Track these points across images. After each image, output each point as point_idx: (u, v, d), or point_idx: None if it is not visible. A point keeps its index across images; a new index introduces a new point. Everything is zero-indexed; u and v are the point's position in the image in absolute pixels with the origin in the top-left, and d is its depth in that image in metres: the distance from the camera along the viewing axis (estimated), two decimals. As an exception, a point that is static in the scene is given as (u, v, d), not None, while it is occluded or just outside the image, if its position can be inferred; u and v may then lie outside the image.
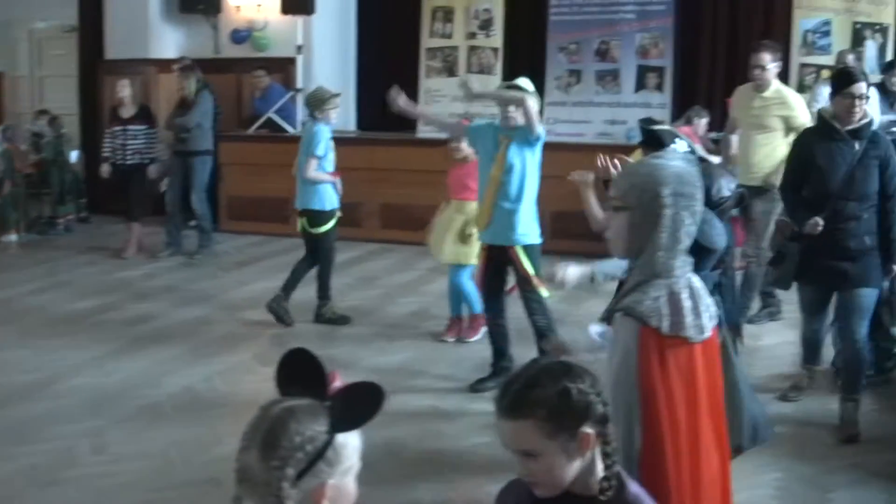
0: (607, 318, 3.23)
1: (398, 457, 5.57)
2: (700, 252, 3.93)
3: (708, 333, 3.19)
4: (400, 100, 7.11)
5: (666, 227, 3.11)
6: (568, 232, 9.70)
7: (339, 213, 8.31)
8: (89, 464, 5.49)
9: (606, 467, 2.28)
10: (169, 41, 14.06)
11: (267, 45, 13.58)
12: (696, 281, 3.25)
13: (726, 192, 4.75)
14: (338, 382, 2.11)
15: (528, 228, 6.49)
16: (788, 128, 7.81)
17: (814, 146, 5.97)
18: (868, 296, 5.88)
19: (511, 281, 6.73)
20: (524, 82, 6.63)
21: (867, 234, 5.81)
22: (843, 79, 6.01)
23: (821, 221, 5.74)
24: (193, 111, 11.11)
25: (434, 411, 6.33)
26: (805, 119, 7.78)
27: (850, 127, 5.86)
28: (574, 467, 2.25)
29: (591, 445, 2.24)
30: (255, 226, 12.54)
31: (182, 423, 6.07)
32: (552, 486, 2.27)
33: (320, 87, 8.62)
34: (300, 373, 2.13)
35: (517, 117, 6.36)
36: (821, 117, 6.12)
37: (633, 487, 2.34)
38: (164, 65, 13.69)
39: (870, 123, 5.97)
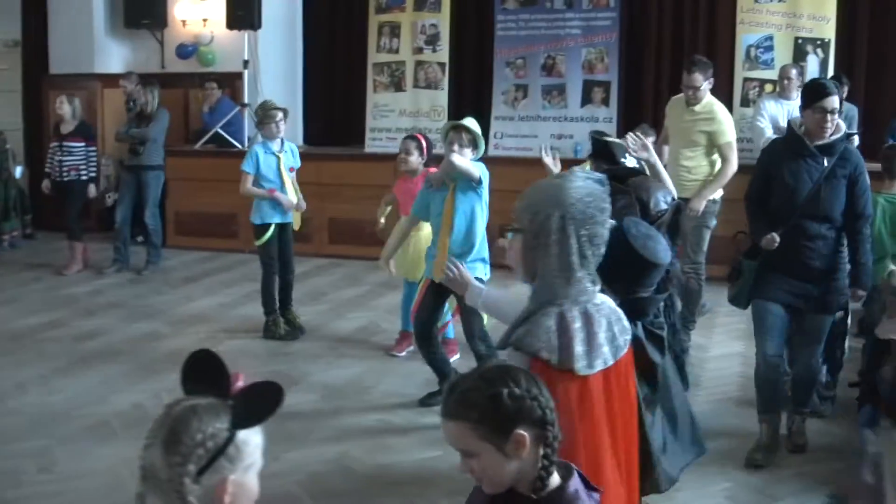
0: (503, 346, 3.11)
1: (350, 471, 5.59)
2: (645, 269, 3.95)
3: (604, 363, 3.03)
4: None
5: (553, 253, 3.02)
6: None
7: (275, 227, 8.23)
8: (35, 483, 5.43)
9: (542, 468, 2.36)
10: (114, 56, 13.97)
11: (213, 59, 13.53)
12: (597, 308, 3.08)
13: (663, 206, 4.67)
14: (240, 383, 2.20)
15: (473, 268, 6.31)
16: (711, 144, 7.84)
17: (781, 160, 5.68)
18: (829, 321, 5.80)
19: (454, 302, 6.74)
20: (470, 122, 6.61)
21: (833, 254, 5.59)
22: (814, 91, 5.67)
23: (777, 237, 5.54)
24: (152, 125, 11.09)
25: (385, 426, 6.33)
26: (730, 138, 7.85)
27: (819, 142, 5.57)
28: (513, 467, 2.36)
29: (526, 446, 2.34)
30: (202, 241, 12.47)
31: (130, 441, 5.99)
32: (492, 483, 2.40)
33: (265, 100, 8.59)
34: (204, 373, 2.19)
35: (465, 154, 6.40)
36: (790, 130, 5.82)
37: (574, 486, 2.41)
38: (109, 80, 13.61)
39: (841, 139, 5.65)
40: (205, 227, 12.49)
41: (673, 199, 4.89)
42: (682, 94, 8.07)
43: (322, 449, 5.91)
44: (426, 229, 7.45)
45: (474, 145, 6.48)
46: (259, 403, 2.26)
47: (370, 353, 7.91)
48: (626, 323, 3.16)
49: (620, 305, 3.71)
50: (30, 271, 11.15)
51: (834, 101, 5.56)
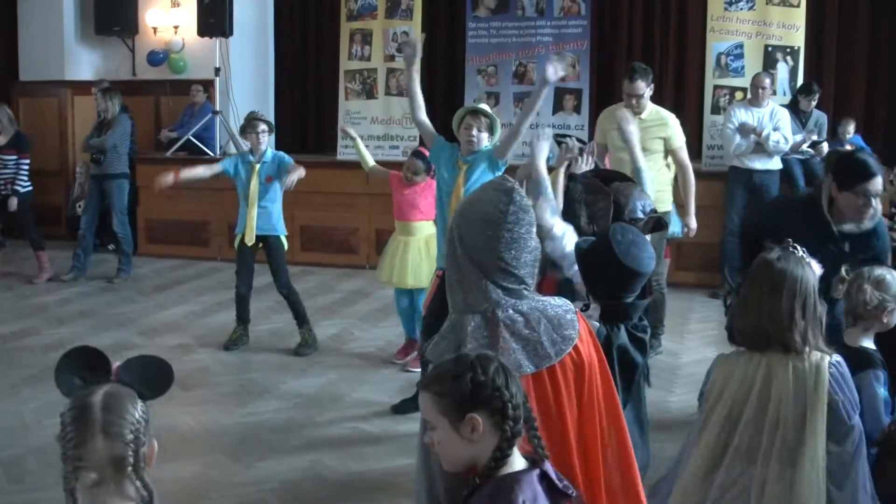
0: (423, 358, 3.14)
1: (322, 479, 5.58)
2: (629, 276, 3.96)
3: (524, 370, 2.91)
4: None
5: (449, 265, 3.04)
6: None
7: (238, 236, 8.15)
8: (7, 492, 5.40)
9: (493, 458, 2.48)
10: (85, 63, 13.92)
11: (184, 67, 13.51)
12: (515, 313, 2.96)
13: (639, 214, 4.67)
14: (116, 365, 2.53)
15: None
16: (666, 150, 7.76)
17: (790, 228, 4.25)
18: None
19: None
20: (485, 107, 6.61)
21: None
22: (859, 170, 4.71)
23: None
24: (110, 133, 11.00)
25: (358, 433, 6.33)
26: (683, 140, 7.82)
27: (847, 229, 4.75)
28: (466, 449, 2.48)
29: (479, 431, 2.45)
30: (173, 249, 12.43)
31: (102, 450, 5.99)
32: (447, 460, 2.55)
33: (251, 111, 8.47)
34: (83, 363, 2.52)
35: (484, 142, 6.31)
36: (812, 201, 4.91)
37: (522, 476, 2.47)
38: (79, 87, 13.58)
39: (875, 227, 4.80)
40: (176, 235, 12.45)
41: (653, 210, 4.86)
42: (616, 105, 7.98)
43: (295, 457, 5.90)
44: (417, 234, 7.63)
45: (490, 130, 6.39)
46: (151, 373, 2.56)
47: (343, 361, 7.90)
48: (567, 334, 3.00)
49: (603, 309, 3.74)
50: (-1, 280, 11.09)
51: (880, 183, 4.72)
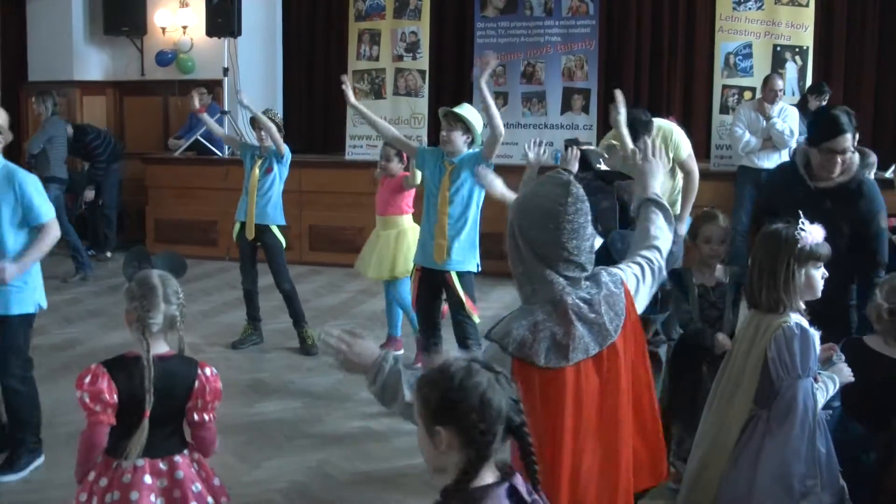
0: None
1: (330, 478, 5.59)
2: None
3: (585, 353, 3.02)
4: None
5: (514, 259, 3.12)
6: (495, 253, 9.74)
7: (237, 224, 8.26)
8: (15, 492, 5.42)
9: (461, 472, 2.43)
10: (93, 63, 13.95)
11: (193, 67, 13.52)
12: (579, 298, 3.04)
13: None
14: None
15: (464, 256, 6.46)
16: (673, 163, 7.69)
17: (782, 196, 4.97)
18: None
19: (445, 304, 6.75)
20: (463, 108, 6.54)
21: (837, 297, 4.68)
22: (826, 128, 4.87)
23: None
24: (35, 136, 11.01)
25: (366, 433, 6.33)
26: (689, 150, 7.75)
27: (823, 185, 4.90)
28: (438, 458, 2.46)
29: (446, 445, 2.42)
30: (182, 249, 12.38)
31: (110, 449, 6.01)
32: (426, 460, 2.53)
33: (267, 108, 8.57)
34: (135, 258, 4.18)
35: (452, 141, 6.36)
36: (792, 162, 5.18)
37: (486, 491, 2.43)
38: (88, 87, 13.62)
39: (853, 180, 4.93)
40: (184, 235, 12.46)
41: None
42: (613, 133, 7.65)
43: (302, 456, 5.90)
44: (397, 228, 7.79)
45: (467, 129, 6.41)
46: (177, 263, 4.16)
47: (351, 361, 7.89)
48: (619, 307, 3.11)
49: None
50: (8, 279, 11.09)
51: (846, 141, 4.81)
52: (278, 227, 8.19)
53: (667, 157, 7.46)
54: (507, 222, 3.13)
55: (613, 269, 3.22)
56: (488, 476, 2.46)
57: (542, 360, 2.96)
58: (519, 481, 2.49)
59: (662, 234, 3.43)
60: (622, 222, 5.04)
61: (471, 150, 6.41)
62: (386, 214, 7.90)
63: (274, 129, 7.90)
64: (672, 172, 7.78)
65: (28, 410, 5.72)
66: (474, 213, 6.48)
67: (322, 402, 6.93)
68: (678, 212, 7.68)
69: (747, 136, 9.89)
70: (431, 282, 6.57)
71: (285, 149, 8.04)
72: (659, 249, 3.38)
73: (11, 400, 5.71)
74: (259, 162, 8.09)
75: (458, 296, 6.44)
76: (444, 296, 6.65)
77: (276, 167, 8.08)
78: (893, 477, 4.01)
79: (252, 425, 6.45)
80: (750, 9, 11.08)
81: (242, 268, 8.31)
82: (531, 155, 5.90)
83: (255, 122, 8.17)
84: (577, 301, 3.04)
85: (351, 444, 6.12)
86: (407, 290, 7.70)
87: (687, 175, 7.76)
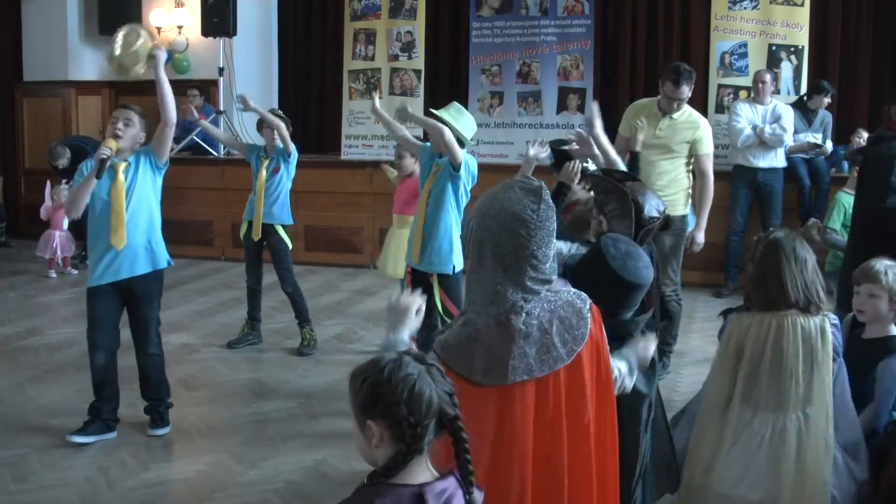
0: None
1: (327, 478, 5.58)
2: (628, 290, 3.74)
3: (528, 375, 2.87)
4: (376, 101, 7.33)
5: (474, 266, 2.98)
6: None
7: (244, 223, 8.23)
8: (11, 492, 5.40)
9: (385, 465, 2.39)
10: (88, 63, 13.93)
11: (188, 67, 13.52)
12: (531, 316, 2.91)
13: (655, 213, 4.52)
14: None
15: (441, 258, 6.44)
16: (691, 154, 7.26)
17: None
18: None
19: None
20: (448, 111, 6.50)
21: None
22: None
23: None
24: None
25: (362, 433, 6.32)
26: (711, 149, 7.32)
27: None
28: (371, 452, 2.42)
29: (377, 439, 2.39)
30: (177, 249, 12.36)
31: (106, 450, 6.01)
32: (362, 455, 2.49)
33: (273, 108, 8.62)
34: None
35: (438, 144, 6.36)
36: None
37: (389, 489, 2.38)
38: (83, 87, 13.60)
39: None
40: (180, 235, 12.43)
41: (665, 209, 4.76)
42: (648, 101, 7.55)
43: (299, 456, 5.90)
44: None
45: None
46: None
47: (347, 360, 7.90)
48: (578, 332, 2.95)
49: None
50: (4, 279, 11.09)
51: None
52: (285, 227, 8.15)
53: (685, 146, 7.22)
54: (467, 227, 2.99)
55: (584, 296, 3.06)
56: (421, 474, 2.41)
57: (478, 376, 2.85)
58: (434, 489, 2.40)
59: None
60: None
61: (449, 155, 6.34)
62: (402, 213, 7.92)
63: (283, 126, 7.90)
64: (686, 163, 7.32)
65: (163, 371, 6.50)
66: (452, 216, 6.45)
67: (318, 401, 6.92)
68: (685, 210, 7.38)
69: (748, 130, 9.90)
70: (420, 282, 6.48)
71: (292, 147, 8.04)
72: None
73: (153, 364, 6.45)
74: (266, 162, 8.08)
75: (433, 299, 6.42)
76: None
77: (283, 166, 8.07)
78: (893, 468, 4.05)
79: (248, 425, 6.45)
80: (745, 8, 11.10)
81: (248, 267, 8.30)
82: (532, 151, 5.88)
83: (262, 124, 8.15)
84: (526, 319, 2.89)
85: (347, 444, 6.10)
86: None
87: (702, 177, 7.31)
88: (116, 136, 6.04)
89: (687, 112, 7.29)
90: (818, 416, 3.97)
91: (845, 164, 10.68)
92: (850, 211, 6.99)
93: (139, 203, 6.23)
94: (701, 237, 7.33)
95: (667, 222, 4.71)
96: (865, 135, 10.97)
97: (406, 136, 7.00)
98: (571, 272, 3.79)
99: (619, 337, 3.65)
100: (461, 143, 6.39)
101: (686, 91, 7.15)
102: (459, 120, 6.45)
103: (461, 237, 3.12)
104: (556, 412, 2.91)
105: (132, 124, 6.22)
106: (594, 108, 6.14)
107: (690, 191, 7.46)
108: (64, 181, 11.02)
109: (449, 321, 6.21)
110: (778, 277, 4.04)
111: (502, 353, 2.84)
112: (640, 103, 7.63)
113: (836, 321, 4.13)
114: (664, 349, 7.14)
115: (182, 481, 5.53)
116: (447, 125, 6.31)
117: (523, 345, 2.87)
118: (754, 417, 4.02)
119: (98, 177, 5.85)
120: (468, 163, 6.41)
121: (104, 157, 5.84)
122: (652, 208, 4.52)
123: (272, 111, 8.24)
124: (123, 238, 6.09)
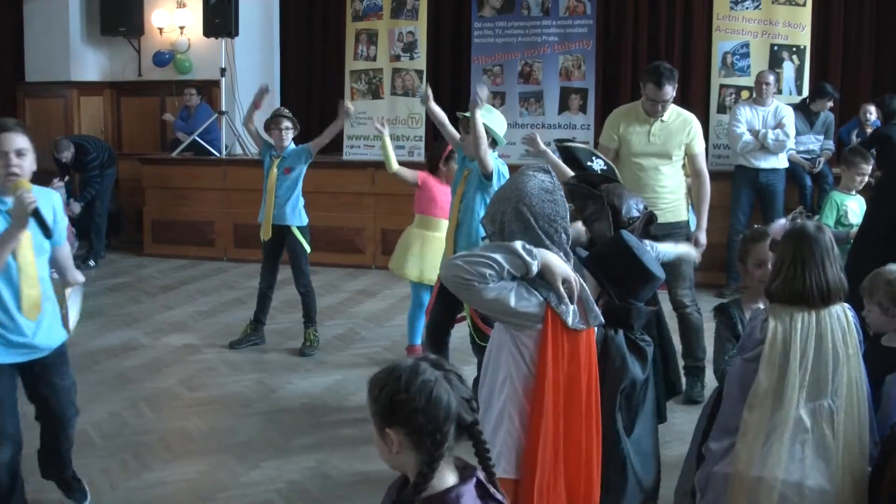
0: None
1: (329, 478, 5.58)
2: (647, 281, 3.89)
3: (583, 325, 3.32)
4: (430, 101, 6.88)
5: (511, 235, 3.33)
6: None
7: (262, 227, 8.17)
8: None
9: (419, 473, 2.41)
10: (90, 64, 13.94)
11: (190, 67, 13.53)
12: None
13: (635, 213, 4.59)
14: None
15: None
16: (684, 155, 6.96)
17: None
18: None
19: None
20: (481, 114, 6.07)
21: None
22: None
23: None
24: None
25: (363, 433, 6.29)
26: (701, 147, 7.03)
27: None
28: (392, 458, 2.47)
29: (397, 446, 2.42)
30: (179, 249, 12.44)
31: (108, 450, 6.01)
32: (385, 461, 2.53)
33: (279, 108, 8.56)
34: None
35: (467, 146, 6.18)
36: None
37: (457, 493, 2.41)
38: (85, 87, 13.61)
39: None
40: (182, 236, 12.46)
41: (645, 207, 4.76)
42: (628, 107, 7.16)
43: (301, 457, 5.90)
44: (440, 231, 7.30)
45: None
46: None
47: (349, 361, 7.90)
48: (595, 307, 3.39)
49: (604, 313, 3.66)
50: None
51: None
52: (300, 228, 8.09)
53: (681, 147, 6.92)
54: (499, 211, 3.37)
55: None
56: (449, 477, 2.44)
57: (567, 319, 3.23)
58: (481, 475, 2.48)
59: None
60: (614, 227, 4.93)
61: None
62: (423, 213, 7.69)
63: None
64: (682, 165, 7.08)
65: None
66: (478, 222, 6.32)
67: (320, 402, 6.92)
68: (686, 216, 7.17)
69: (747, 135, 9.89)
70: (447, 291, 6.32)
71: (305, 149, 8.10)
72: None
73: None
74: (276, 162, 8.05)
75: (463, 311, 6.24)
76: (461, 310, 6.35)
77: (297, 167, 8.05)
78: (892, 470, 4.04)
79: (250, 426, 6.44)
80: (747, 8, 11.09)
81: (262, 269, 8.27)
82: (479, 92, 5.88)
83: (270, 124, 8.11)
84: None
85: (349, 444, 6.11)
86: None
87: (697, 177, 7.04)
88: (15, 175, 4.44)
89: (675, 112, 6.95)
90: (860, 401, 4.01)
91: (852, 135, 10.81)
92: (844, 209, 7.00)
93: None
94: (703, 238, 7.09)
95: (650, 219, 4.72)
96: (873, 109, 10.99)
97: (457, 138, 6.59)
98: (592, 260, 3.94)
99: (619, 321, 3.93)
100: (494, 142, 6.22)
101: (670, 91, 6.74)
102: (491, 119, 6.21)
103: (487, 233, 3.32)
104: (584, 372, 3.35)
105: (25, 153, 4.49)
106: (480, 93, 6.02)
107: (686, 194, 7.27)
108: (56, 179, 10.99)
109: (480, 341, 5.91)
110: (816, 269, 3.96)
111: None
112: (620, 111, 7.17)
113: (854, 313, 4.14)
114: (697, 365, 6.94)
115: (184, 482, 5.52)
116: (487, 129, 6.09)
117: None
118: (802, 407, 3.97)
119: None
120: (500, 170, 6.16)
121: (34, 205, 4.39)
122: (631, 208, 4.60)
123: (279, 111, 8.20)
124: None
